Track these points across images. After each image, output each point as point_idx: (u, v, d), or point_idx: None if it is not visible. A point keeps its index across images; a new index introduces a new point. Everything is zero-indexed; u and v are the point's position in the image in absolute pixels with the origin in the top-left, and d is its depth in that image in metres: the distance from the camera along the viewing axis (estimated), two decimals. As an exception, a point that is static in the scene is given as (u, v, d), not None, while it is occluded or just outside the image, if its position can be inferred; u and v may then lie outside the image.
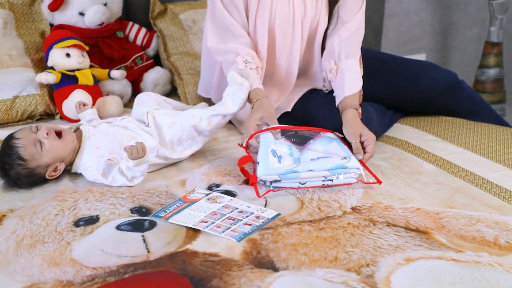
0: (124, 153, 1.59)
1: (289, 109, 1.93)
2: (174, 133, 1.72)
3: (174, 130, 1.72)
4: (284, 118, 1.91)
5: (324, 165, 1.57)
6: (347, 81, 1.82)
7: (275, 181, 1.56)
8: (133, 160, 1.55)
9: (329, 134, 1.70)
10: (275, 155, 1.60)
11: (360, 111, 1.79)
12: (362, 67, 1.91)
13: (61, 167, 1.63)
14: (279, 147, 1.62)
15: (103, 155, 1.62)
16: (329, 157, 1.61)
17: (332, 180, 1.57)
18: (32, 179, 1.60)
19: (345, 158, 1.60)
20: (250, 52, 1.81)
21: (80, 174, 1.66)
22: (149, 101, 1.84)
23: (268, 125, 1.68)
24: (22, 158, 1.57)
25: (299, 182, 1.57)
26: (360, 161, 1.64)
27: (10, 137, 1.61)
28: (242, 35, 1.83)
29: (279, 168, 1.57)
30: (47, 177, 1.61)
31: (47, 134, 1.60)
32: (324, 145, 1.66)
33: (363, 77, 1.90)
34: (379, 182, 1.61)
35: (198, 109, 1.80)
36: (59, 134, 1.63)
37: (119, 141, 1.67)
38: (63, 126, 1.81)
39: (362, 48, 1.96)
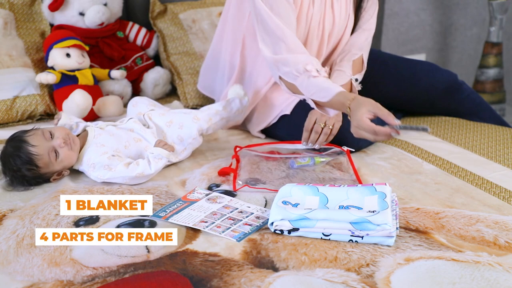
0: (128, 153, 1.66)
1: (288, 112, 1.90)
2: (173, 131, 1.74)
3: (172, 128, 1.74)
4: (282, 121, 1.91)
5: (346, 216, 1.33)
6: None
7: (293, 229, 1.35)
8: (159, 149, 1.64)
9: (376, 186, 1.45)
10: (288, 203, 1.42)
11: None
12: (363, 66, 1.90)
13: (66, 173, 1.65)
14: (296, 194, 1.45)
15: (107, 152, 1.63)
16: (358, 208, 1.38)
17: (362, 238, 1.32)
18: (37, 181, 1.62)
19: (372, 211, 1.35)
20: (318, 62, 1.71)
21: (81, 174, 1.67)
22: (143, 103, 1.85)
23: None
24: (36, 165, 1.58)
25: (323, 233, 1.34)
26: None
27: (23, 140, 1.59)
28: (299, 46, 1.71)
29: (291, 212, 1.35)
30: (51, 180, 1.64)
31: (64, 143, 1.61)
32: (363, 195, 1.43)
33: (363, 79, 1.90)
34: (360, 182, 1.62)
35: (201, 112, 1.81)
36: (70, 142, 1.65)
37: (124, 141, 1.69)
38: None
39: None
